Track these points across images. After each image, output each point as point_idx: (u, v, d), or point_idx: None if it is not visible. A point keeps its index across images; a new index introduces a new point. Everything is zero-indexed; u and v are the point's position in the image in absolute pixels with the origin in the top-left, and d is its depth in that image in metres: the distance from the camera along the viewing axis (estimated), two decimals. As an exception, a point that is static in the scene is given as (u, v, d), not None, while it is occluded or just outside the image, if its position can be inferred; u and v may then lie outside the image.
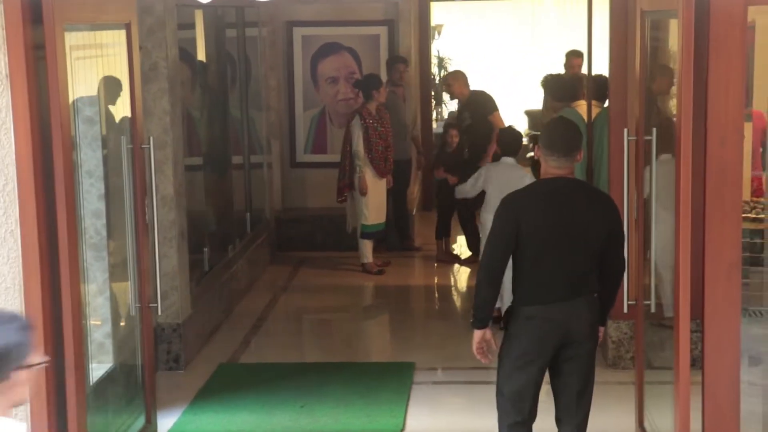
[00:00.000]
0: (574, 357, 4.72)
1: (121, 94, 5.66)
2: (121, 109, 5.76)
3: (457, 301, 9.21)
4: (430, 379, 6.85)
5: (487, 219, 7.83)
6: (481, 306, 4.70)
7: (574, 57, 10.53)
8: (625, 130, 5.33)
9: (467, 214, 9.65)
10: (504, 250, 4.62)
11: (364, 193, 9.31)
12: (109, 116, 5.98)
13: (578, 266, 4.66)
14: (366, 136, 9.27)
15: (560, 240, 4.62)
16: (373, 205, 9.42)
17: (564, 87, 8.49)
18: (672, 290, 4.82)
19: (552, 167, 4.68)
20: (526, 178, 7.85)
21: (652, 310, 5.09)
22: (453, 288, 9.68)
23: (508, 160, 8.05)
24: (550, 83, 8.57)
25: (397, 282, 9.49)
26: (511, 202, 4.71)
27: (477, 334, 4.72)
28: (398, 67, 10.14)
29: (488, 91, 10.15)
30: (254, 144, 10.03)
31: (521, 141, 8.66)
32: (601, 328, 4.87)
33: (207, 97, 8.33)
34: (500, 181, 7.91)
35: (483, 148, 9.57)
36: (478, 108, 9.83)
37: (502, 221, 4.66)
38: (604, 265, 4.74)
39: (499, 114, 9.80)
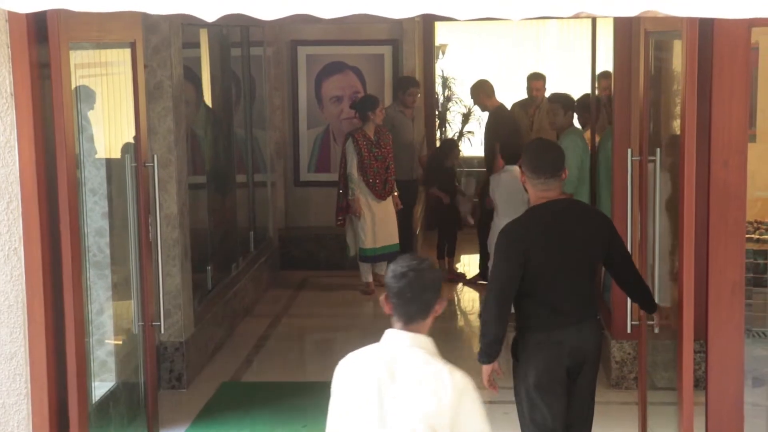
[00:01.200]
0: (580, 380, 4.70)
1: (95, 106, 5.65)
2: (99, 119, 5.73)
3: (461, 320, 9.18)
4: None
5: (497, 225, 7.95)
6: (491, 343, 4.64)
7: (534, 80, 10.41)
8: (629, 150, 5.33)
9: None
10: (512, 285, 4.56)
11: (357, 215, 9.27)
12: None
13: (583, 287, 4.66)
14: (360, 159, 9.21)
15: (565, 264, 4.60)
16: (371, 228, 9.34)
17: (570, 108, 8.51)
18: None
19: (541, 190, 4.64)
20: None
21: (656, 330, 5.07)
22: (456, 307, 9.65)
23: (512, 167, 8.27)
24: (560, 100, 8.57)
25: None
26: (513, 236, 4.63)
27: (486, 368, 4.67)
28: (413, 91, 9.95)
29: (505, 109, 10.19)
30: (258, 163, 10.04)
31: (521, 149, 8.70)
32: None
33: (211, 116, 8.34)
34: (506, 189, 8.22)
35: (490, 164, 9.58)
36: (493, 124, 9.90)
37: (508, 257, 4.58)
38: (624, 274, 4.74)
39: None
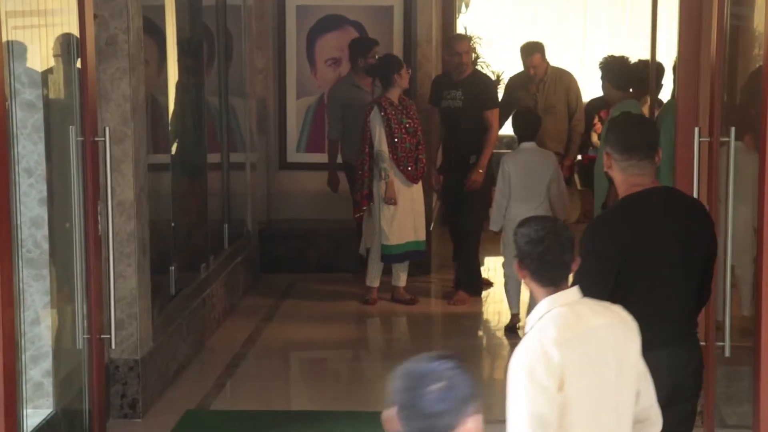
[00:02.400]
0: (678, 417, 4.62)
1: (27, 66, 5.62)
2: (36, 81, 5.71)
3: (483, 337, 9.16)
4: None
5: (515, 215, 8.10)
6: None
7: (528, 56, 10.14)
8: (696, 129, 5.29)
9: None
10: (606, 290, 4.43)
11: (394, 202, 9.18)
12: (55, 100, 5.97)
13: (688, 299, 4.62)
14: (389, 131, 9.18)
15: (665, 269, 4.55)
16: (399, 220, 9.27)
17: (629, 73, 8.47)
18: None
19: (634, 175, 4.59)
20: (550, 162, 8.60)
21: (727, 353, 5.04)
22: (476, 319, 9.62)
23: (528, 145, 8.54)
24: (610, 66, 8.53)
25: (408, 311, 9.45)
26: (606, 232, 4.58)
27: None
28: (375, 51, 9.83)
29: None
30: (235, 139, 10.02)
31: (539, 122, 8.89)
32: None
33: (177, 81, 8.32)
34: (524, 169, 8.50)
35: None
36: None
37: (600, 257, 4.51)
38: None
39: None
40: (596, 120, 9.45)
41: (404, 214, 9.31)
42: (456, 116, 9.49)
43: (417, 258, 9.57)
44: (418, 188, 9.40)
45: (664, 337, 4.55)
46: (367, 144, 9.25)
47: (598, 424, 3.73)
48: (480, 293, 9.84)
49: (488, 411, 7.38)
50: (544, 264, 3.77)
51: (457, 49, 9.61)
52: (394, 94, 9.26)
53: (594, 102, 9.87)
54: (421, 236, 9.44)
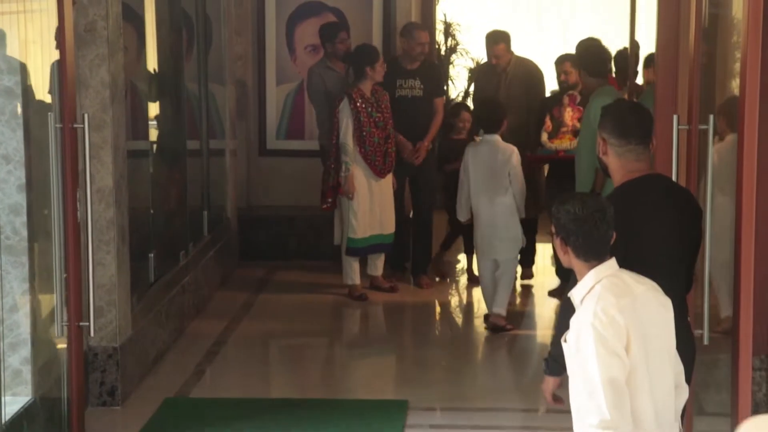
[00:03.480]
0: None
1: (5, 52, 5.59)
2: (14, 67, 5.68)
3: (463, 326, 9.17)
4: (426, 422, 6.83)
5: (479, 209, 8.25)
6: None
7: (493, 45, 9.94)
8: (675, 117, 5.30)
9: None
10: None
11: (350, 196, 9.14)
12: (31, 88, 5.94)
13: (681, 287, 4.62)
14: (357, 124, 9.09)
15: (663, 257, 4.55)
16: (365, 213, 9.22)
17: (602, 60, 8.46)
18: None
19: (631, 161, 4.57)
20: (513, 157, 8.37)
21: (705, 341, 5.06)
22: (459, 309, 9.64)
23: (490, 137, 8.43)
24: (585, 52, 8.49)
25: (390, 300, 9.45)
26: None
27: (553, 381, 4.63)
28: (344, 36, 9.78)
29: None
30: (214, 126, 9.99)
31: (504, 113, 8.67)
32: None
33: (157, 67, 8.30)
34: (484, 162, 8.37)
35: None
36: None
37: None
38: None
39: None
40: (548, 119, 9.23)
41: (370, 208, 9.23)
42: (416, 105, 9.51)
43: (384, 251, 9.45)
44: (386, 181, 9.29)
45: None
46: (336, 135, 9.18)
47: (657, 383, 3.87)
48: (434, 274, 9.97)
49: (461, 397, 7.42)
50: (590, 241, 3.90)
51: (422, 39, 9.59)
52: (367, 86, 9.15)
53: (547, 101, 9.59)
54: (388, 230, 9.33)
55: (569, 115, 9.15)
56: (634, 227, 4.52)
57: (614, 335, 3.76)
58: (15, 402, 5.67)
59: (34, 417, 5.76)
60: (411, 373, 7.86)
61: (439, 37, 13.50)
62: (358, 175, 9.15)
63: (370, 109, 9.13)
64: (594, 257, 3.93)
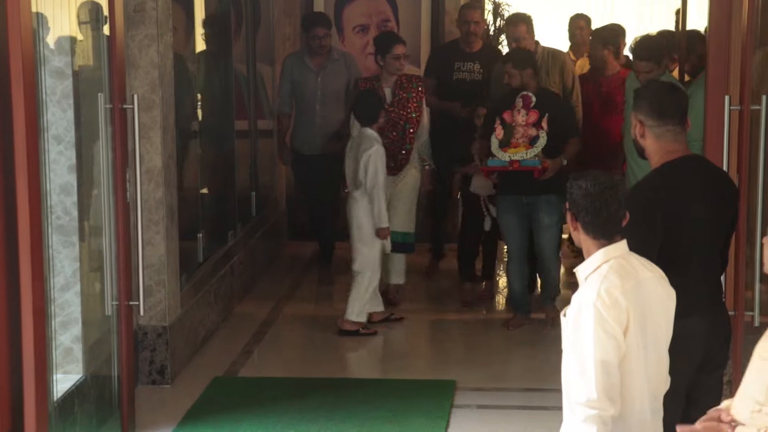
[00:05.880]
0: (708, 385, 4.63)
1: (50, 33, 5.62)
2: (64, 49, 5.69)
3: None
4: (474, 402, 6.82)
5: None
6: None
7: (512, 26, 8.97)
8: (726, 97, 5.26)
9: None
10: (653, 255, 4.33)
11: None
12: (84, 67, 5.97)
13: (718, 268, 4.67)
14: None
15: (702, 238, 4.58)
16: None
17: (651, 46, 8.34)
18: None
19: (669, 142, 4.57)
20: (371, 158, 7.86)
21: (756, 323, 5.03)
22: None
23: (369, 132, 7.98)
24: (643, 44, 8.29)
25: (437, 281, 9.44)
26: (650, 203, 4.51)
27: None
28: (319, 32, 9.17)
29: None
30: (263, 106, 10.01)
31: (381, 106, 8.11)
32: None
33: (205, 47, 8.32)
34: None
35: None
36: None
37: (647, 224, 4.47)
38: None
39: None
40: (497, 124, 7.77)
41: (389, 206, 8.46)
42: (473, 89, 9.00)
43: (407, 250, 8.81)
44: (403, 180, 8.65)
45: (701, 306, 4.55)
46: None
47: (652, 369, 3.85)
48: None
49: (509, 378, 7.36)
50: (601, 218, 3.86)
51: (467, 17, 9.16)
52: (386, 79, 8.56)
53: (498, 104, 8.52)
54: (412, 228, 8.74)
55: (523, 119, 7.89)
56: (675, 208, 4.51)
57: (615, 317, 3.75)
58: (66, 380, 5.72)
59: (85, 395, 5.82)
60: (459, 354, 7.86)
61: (488, 17, 13.42)
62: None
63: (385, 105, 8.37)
64: (603, 235, 3.90)
